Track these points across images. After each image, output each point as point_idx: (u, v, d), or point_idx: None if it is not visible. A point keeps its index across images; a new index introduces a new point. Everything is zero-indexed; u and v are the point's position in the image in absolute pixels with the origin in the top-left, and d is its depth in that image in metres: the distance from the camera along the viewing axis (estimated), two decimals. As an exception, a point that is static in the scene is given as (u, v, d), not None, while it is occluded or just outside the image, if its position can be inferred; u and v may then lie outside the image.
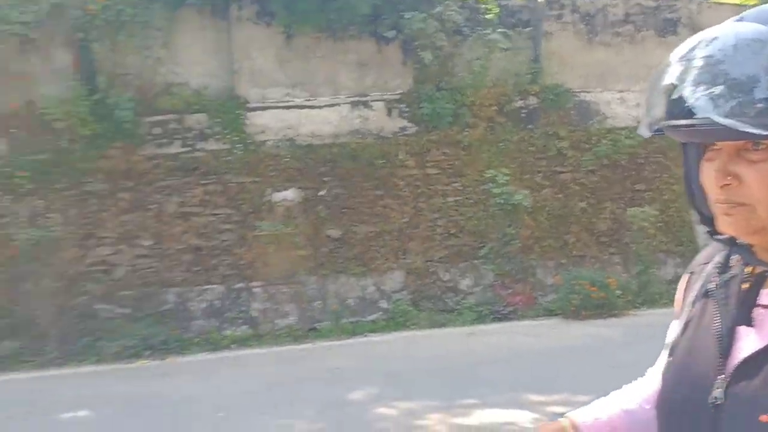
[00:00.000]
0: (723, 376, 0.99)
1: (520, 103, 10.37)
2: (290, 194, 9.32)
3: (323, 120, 9.67)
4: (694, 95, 0.91)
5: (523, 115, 10.34)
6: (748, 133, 0.87)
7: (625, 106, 10.74)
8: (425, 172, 9.81)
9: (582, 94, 10.68)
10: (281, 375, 7.03)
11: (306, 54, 9.69)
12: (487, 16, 10.45)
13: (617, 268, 9.99)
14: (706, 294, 1.11)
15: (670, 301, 1.26)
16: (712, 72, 0.91)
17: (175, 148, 9.10)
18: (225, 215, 9.09)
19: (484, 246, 9.66)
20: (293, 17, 9.48)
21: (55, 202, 8.61)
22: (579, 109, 10.63)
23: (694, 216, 1.13)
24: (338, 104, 9.76)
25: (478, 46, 10.13)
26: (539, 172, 10.13)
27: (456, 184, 9.84)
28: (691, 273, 1.19)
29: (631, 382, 1.33)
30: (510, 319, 9.03)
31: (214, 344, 8.39)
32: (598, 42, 10.81)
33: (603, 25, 10.85)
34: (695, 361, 1.06)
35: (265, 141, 9.42)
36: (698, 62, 0.92)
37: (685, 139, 1.03)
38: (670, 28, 10.97)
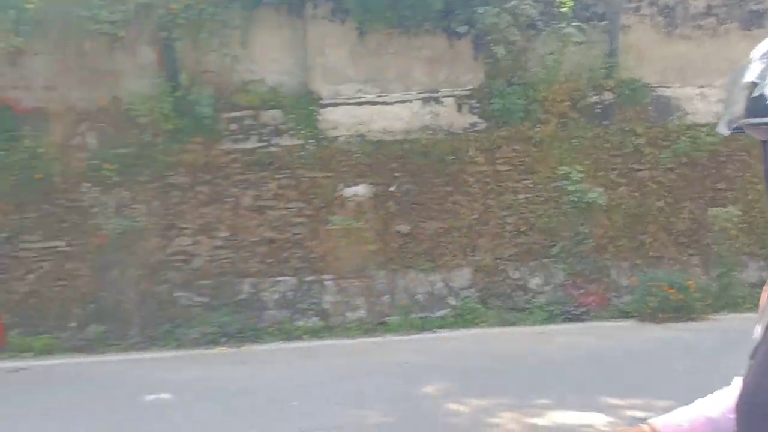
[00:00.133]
0: None
1: (594, 99, 10.13)
2: (361, 189, 9.43)
3: (394, 116, 9.73)
4: None
5: (597, 110, 10.10)
6: None
7: (706, 101, 10.32)
8: (495, 168, 9.73)
9: (660, 89, 10.33)
10: (352, 367, 7.13)
11: (378, 50, 9.77)
12: (561, 10, 10.25)
13: (696, 270, 9.64)
14: None
15: (753, 306, 1.23)
16: None
17: (251, 143, 9.37)
18: (297, 209, 9.30)
19: (555, 244, 9.51)
20: (367, 14, 9.58)
21: (139, 194, 9.04)
22: (657, 105, 10.29)
23: None
24: (409, 100, 9.80)
25: (551, 40, 9.96)
26: (614, 169, 9.88)
27: (527, 181, 9.72)
28: None
29: (711, 388, 1.30)
30: (582, 320, 8.86)
31: (286, 334, 8.62)
32: (678, 35, 10.42)
33: (683, 17, 10.45)
34: None
35: (337, 137, 9.56)
36: None
37: (766, 137, 1.02)
38: (756, 21, 10.46)
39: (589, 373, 6.41)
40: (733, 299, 9.16)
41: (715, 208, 9.67)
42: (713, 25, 10.47)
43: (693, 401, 1.30)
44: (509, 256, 9.50)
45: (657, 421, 1.27)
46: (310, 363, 7.43)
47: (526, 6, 9.62)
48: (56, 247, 8.88)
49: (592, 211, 9.41)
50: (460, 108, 9.87)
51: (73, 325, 8.68)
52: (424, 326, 8.80)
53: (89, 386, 6.61)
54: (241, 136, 9.38)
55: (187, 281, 8.96)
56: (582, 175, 9.49)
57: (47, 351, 8.16)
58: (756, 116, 0.94)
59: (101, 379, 6.88)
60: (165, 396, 6.14)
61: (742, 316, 8.28)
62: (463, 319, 8.92)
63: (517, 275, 9.49)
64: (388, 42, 9.78)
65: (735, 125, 0.99)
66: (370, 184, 9.46)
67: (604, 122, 10.06)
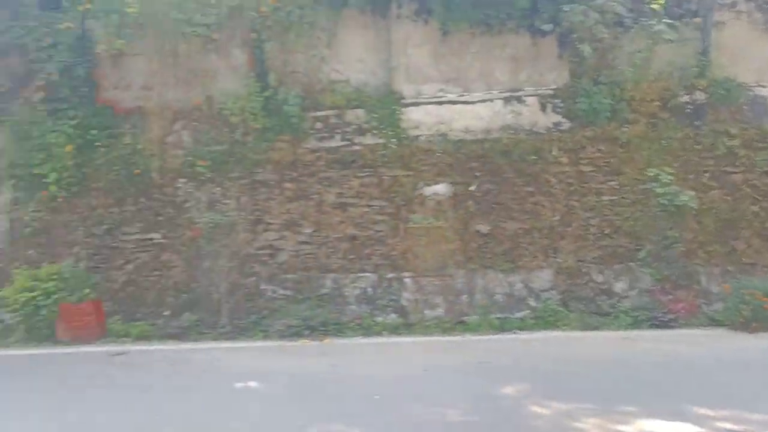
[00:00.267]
0: None
1: (685, 98, 9.79)
2: (441, 188, 9.48)
3: (475, 115, 9.73)
4: None
5: (688, 110, 9.75)
6: None
7: (806, 102, 9.78)
8: (579, 169, 9.56)
9: (757, 88, 9.88)
10: (432, 364, 7.16)
11: (460, 50, 9.79)
12: (652, 7, 9.95)
13: (794, 279, 9.15)
14: None
15: None
16: None
17: (335, 142, 9.60)
18: (379, 207, 9.46)
19: (641, 248, 9.25)
20: (450, 14, 9.62)
21: (230, 190, 9.46)
22: (753, 105, 9.83)
23: None
24: (491, 99, 9.77)
25: (640, 38, 9.70)
26: (706, 172, 9.52)
27: (612, 183, 9.50)
28: None
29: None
30: (670, 327, 8.58)
31: (366, 329, 8.80)
32: (778, 32, 9.91)
33: (783, 13, 9.92)
34: None
35: (419, 136, 9.65)
36: None
37: None
38: None
39: (678, 382, 6.21)
40: (834, 310, 8.63)
41: (817, 214, 9.16)
42: (815, 21, 9.90)
43: None
44: (593, 258, 9.32)
45: None
46: (390, 358, 7.51)
47: (615, 3, 9.40)
48: (152, 238, 9.42)
49: (682, 214, 9.09)
50: (543, 107, 9.75)
51: (167, 313, 9.18)
52: (503, 327, 8.77)
53: (184, 372, 6.97)
54: (325, 135, 9.63)
55: (273, 275, 9.31)
56: (672, 177, 9.18)
57: (144, 337, 8.67)
58: None
59: (194, 366, 7.23)
60: (253, 384, 6.38)
61: None
62: (543, 321, 8.83)
63: (600, 278, 9.29)
64: (470, 41, 9.79)
65: None
66: (451, 183, 9.50)
67: (695, 123, 9.70)
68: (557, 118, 9.75)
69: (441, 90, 9.78)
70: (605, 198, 9.46)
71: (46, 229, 9.46)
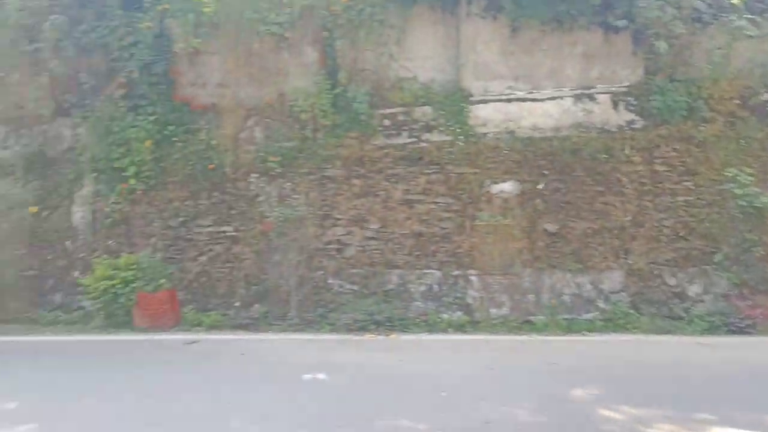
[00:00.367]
0: None
1: (766, 97, 9.38)
2: (508, 186, 9.41)
3: (544, 113, 9.60)
4: None
5: (770, 109, 9.35)
6: None
7: None
8: (652, 168, 9.31)
9: None
10: (498, 363, 7.13)
11: (530, 47, 9.67)
12: (732, 2, 9.57)
13: None
14: None
15: None
16: None
17: (402, 139, 9.66)
18: (445, 204, 9.47)
19: (718, 251, 8.94)
20: (520, 11, 9.51)
21: (299, 185, 9.67)
22: (842, 103, 9.33)
23: None
24: (561, 97, 9.62)
25: (720, 33, 9.37)
26: (788, 173, 9.11)
27: (687, 183, 9.21)
28: None
29: None
30: (748, 333, 8.27)
31: (431, 326, 8.83)
32: None
33: None
34: None
35: (486, 133, 9.60)
36: None
37: None
38: None
39: (758, 391, 5.99)
40: None
41: None
42: None
43: None
44: (666, 260, 9.07)
45: None
46: (456, 356, 7.51)
47: (693, -2, 9.11)
48: (225, 231, 9.73)
49: (762, 216, 8.74)
50: (615, 105, 9.53)
51: (238, 304, 9.48)
52: (570, 328, 8.65)
53: (254, 361, 7.17)
54: (393, 132, 9.70)
55: (340, 269, 9.47)
56: (751, 178, 8.83)
57: (216, 326, 8.98)
58: None
59: (264, 356, 7.43)
60: (321, 376, 6.48)
61: None
62: (613, 323, 8.66)
63: (674, 281, 9.03)
64: (540, 38, 9.65)
65: None
66: (518, 181, 9.42)
67: (777, 122, 9.30)
68: (630, 116, 9.52)
69: (509, 87, 9.69)
70: (680, 198, 9.19)
71: (125, 220, 9.91)
